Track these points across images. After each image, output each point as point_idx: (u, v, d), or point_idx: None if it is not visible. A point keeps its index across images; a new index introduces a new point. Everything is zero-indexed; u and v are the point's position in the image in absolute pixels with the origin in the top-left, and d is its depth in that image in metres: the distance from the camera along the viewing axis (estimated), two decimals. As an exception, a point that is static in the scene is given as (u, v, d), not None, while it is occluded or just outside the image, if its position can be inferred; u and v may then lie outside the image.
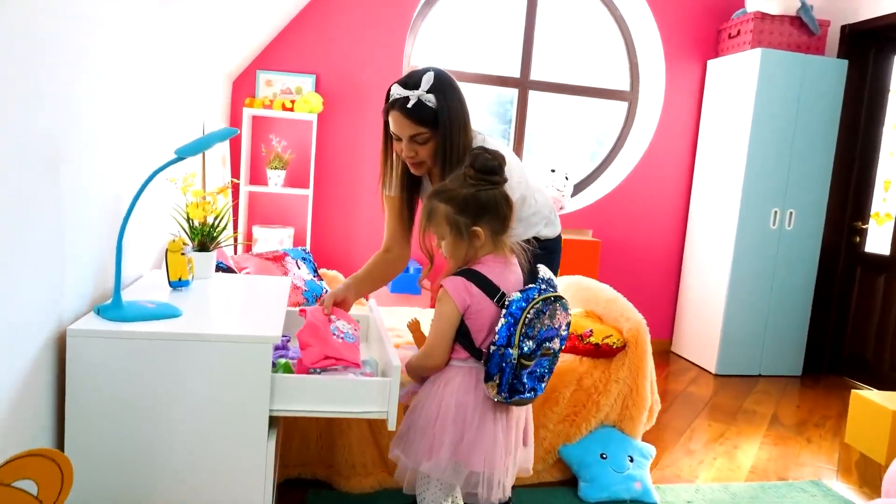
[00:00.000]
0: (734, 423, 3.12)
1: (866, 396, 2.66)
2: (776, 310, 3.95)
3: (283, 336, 1.81)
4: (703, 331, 4.07)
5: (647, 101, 4.28)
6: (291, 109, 3.55)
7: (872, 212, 3.98)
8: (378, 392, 1.42)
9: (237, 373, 1.33)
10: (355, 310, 2.64)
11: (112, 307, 1.38)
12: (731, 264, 3.85)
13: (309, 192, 3.59)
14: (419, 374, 1.59)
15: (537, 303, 1.44)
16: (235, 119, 3.63)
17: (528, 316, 1.42)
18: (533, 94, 4.20)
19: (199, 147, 1.40)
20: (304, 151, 3.72)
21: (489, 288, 1.49)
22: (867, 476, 2.62)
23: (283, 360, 1.53)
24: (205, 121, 2.82)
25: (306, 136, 3.71)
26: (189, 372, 1.31)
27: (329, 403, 1.40)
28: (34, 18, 1.16)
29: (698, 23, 4.17)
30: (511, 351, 1.42)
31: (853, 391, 2.73)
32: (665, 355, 4.26)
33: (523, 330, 1.42)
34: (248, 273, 2.64)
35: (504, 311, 1.45)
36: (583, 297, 2.75)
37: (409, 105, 1.62)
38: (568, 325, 1.54)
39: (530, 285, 1.50)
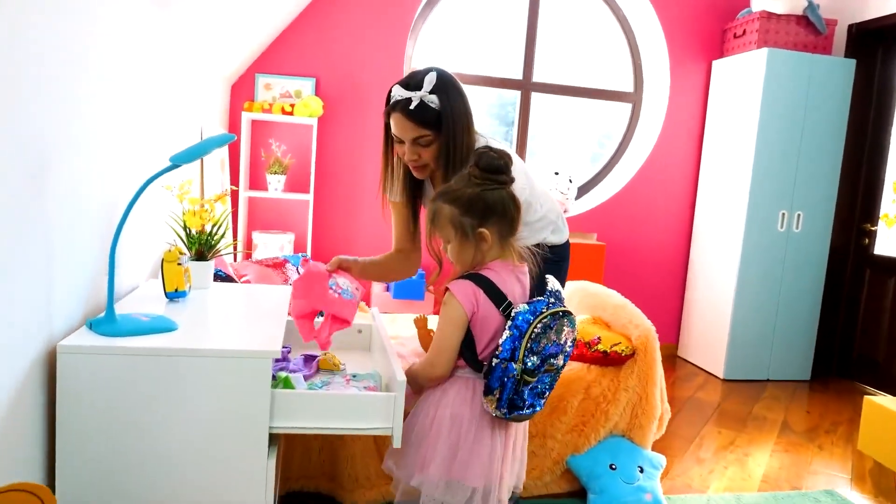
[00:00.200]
0: (744, 430, 3.06)
1: (879, 402, 2.60)
2: (784, 313, 3.89)
3: (283, 347, 1.76)
4: (710, 335, 4.01)
5: (652, 103, 4.23)
6: (291, 113, 3.50)
7: (881, 213, 3.91)
8: (382, 407, 1.36)
9: (235, 389, 1.28)
10: (357, 318, 2.58)
11: (105, 321, 1.33)
12: (738, 267, 3.79)
13: (309, 196, 3.54)
14: (420, 384, 1.50)
15: (545, 317, 1.37)
16: (234, 123, 3.58)
17: (535, 330, 1.36)
18: (534, 96, 4.14)
19: (194, 154, 1.35)
20: (304, 156, 3.67)
21: (496, 295, 1.42)
22: (882, 485, 2.56)
23: (283, 374, 1.47)
24: (203, 125, 2.77)
25: (306, 140, 3.66)
26: (185, 389, 1.26)
27: (331, 420, 1.34)
28: (29, 19, 1.12)
29: (703, 22, 4.12)
30: (514, 365, 1.36)
31: (866, 397, 2.67)
32: (671, 360, 4.20)
33: (528, 345, 1.36)
34: (247, 281, 2.59)
35: (509, 322, 1.38)
36: (590, 303, 2.70)
37: (412, 106, 1.57)
38: (573, 341, 1.48)
39: (538, 298, 1.43)
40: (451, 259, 1.48)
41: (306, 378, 1.60)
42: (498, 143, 1.75)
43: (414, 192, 1.83)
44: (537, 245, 1.65)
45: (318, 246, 3.74)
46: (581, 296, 2.76)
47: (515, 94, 4.15)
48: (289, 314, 1.65)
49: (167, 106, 2.15)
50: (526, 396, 1.39)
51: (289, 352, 1.78)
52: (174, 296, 1.64)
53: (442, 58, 4.03)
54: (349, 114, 3.72)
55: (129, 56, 1.68)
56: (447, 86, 1.61)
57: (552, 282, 1.48)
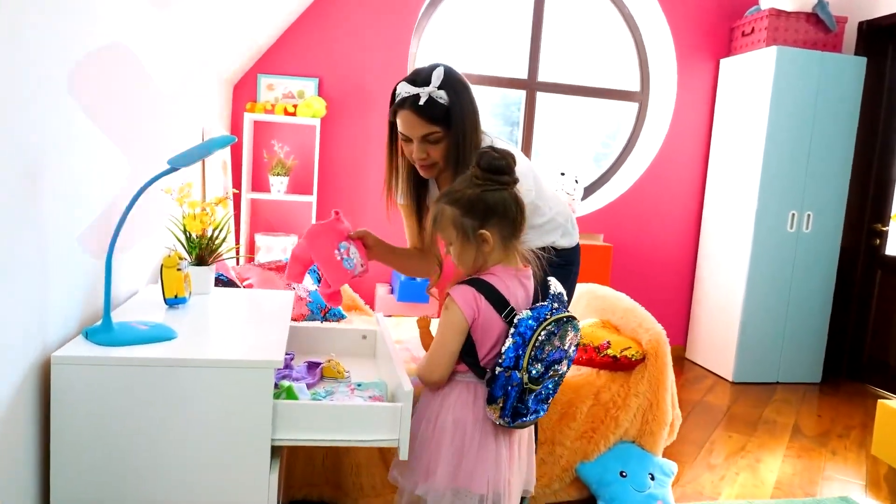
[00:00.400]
0: (755, 435, 3.01)
1: (894, 407, 2.55)
2: (794, 315, 3.83)
3: (286, 354, 1.71)
4: (719, 337, 3.95)
5: (659, 102, 4.18)
6: (294, 114, 3.46)
7: (893, 213, 3.85)
8: (388, 418, 1.32)
9: (236, 400, 1.24)
10: (361, 322, 2.54)
11: (101, 330, 1.28)
12: (747, 268, 3.73)
13: (313, 198, 3.50)
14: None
15: (549, 324, 1.33)
16: (236, 124, 3.54)
17: (539, 338, 1.32)
18: (538, 96, 4.09)
19: (193, 157, 1.31)
20: (307, 157, 3.63)
21: (498, 301, 1.37)
22: (898, 491, 2.51)
23: (286, 383, 1.43)
24: (204, 127, 2.73)
25: (309, 141, 3.62)
26: (184, 400, 1.22)
27: (335, 431, 1.30)
28: (28, 19, 1.09)
29: (710, 20, 4.06)
30: (518, 374, 1.32)
31: (880, 401, 2.62)
32: (679, 362, 4.14)
33: (532, 352, 1.31)
34: (250, 285, 2.55)
35: (512, 329, 1.34)
36: (598, 306, 2.65)
37: (421, 102, 1.52)
38: (577, 345, 1.44)
39: (541, 303, 1.39)
40: (453, 261, 1.44)
41: (309, 386, 1.56)
42: (504, 143, 1.71)
43: (419, 193, 1.78)
44: (542, 248, 1.61)
45: (322, 248, 3.69)
46: (589, 298, 2.72)
47: (519, 94, 4.10)
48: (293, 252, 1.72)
49: (168, 107, 2.11)
50: (530, 404, 1.36)
51: (292, 358, 1.73)
52: (174, 302, 1.60)
53: (446, 57, 3.98)
54: (353, 114, 3.68)
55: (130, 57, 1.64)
56: (455, 81, 1.57)
57: (554, 284, 1.44)
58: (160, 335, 1.32)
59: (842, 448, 2.93)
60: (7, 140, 1.06)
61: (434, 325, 1.55)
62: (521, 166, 1.64)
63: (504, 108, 4.24)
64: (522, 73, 4.05)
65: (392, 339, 1.72)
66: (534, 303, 1.42)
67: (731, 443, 2.90)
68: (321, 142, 3.62)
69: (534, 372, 1.33)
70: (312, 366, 1.66)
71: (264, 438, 1.25)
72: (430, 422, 1.42)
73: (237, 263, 3.25)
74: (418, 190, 1.78)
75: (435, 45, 3.93)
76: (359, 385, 1.54)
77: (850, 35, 3.91)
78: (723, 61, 4.05)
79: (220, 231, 1.81)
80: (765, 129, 3.63)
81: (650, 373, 2.28)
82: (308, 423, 1.28)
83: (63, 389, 1.18)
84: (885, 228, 3.88)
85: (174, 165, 1.29)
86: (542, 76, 4.07)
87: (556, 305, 1.37)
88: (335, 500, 2.07)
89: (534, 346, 1.31)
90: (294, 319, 2.52)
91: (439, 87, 1.53)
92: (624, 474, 2.18)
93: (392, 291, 3.71)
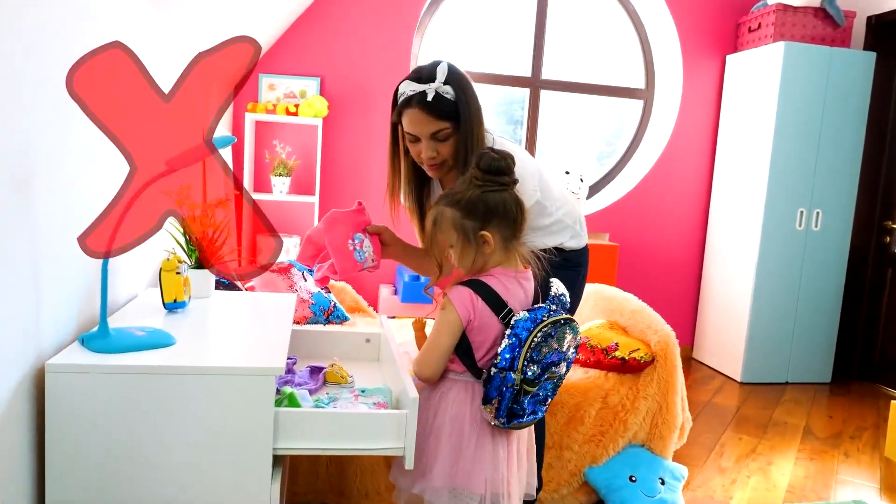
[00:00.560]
0: (765, 437, 2.96)
1: (909, 408, 2.50)
2: (803, 314, 3.78)
3: (289, 358, 1.68)
4: (727, 337, 3.90)
5: (664, 99, 4.13)
6: (295, 114, 3.42)
7: (903, 210, 3.80)
8: (393, 426, 1.28)
9: (236, 408, 1.20)
10: (365, 325, 2.50)
11: (97, 336, 1.25)
12: (755, 267, 3.68)
13: (315, 199, 3.46)
14: None
15: (545, 326, 1.32)
16: (237, 125, 3.51)
17: (535, 340, 1.31)
18: (541, 94, 4.05)
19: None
20: (309, 157, 3.59)
21: (495, 303, 1.37)
22: (913, 494, 2.46)
23: (288, 390, 1.39)
24: (205, 127, 2.69)
25: (311, 141, 3.59)
26: (183, 408, 1.18)
27: (339, 440, 1.26)
28: (25, 19, 1.06)
29: (716, 16, 4.01)
30: (513, 375, 1.31)
31: (893, 402, 2.58)
32: (686, 362, 4.08)
33: (528, 354, 1.31)
34: (251, 286, 2.51)
35: (508, 330, 1.33)
36: (605, 307, 2.61)
37: (429, 98, 1.49)
38: (576, 347, 1.42)
39: (539, 305, 1.38)
40: (454, 263, 1.43)
41: (312, 392, 1.52)
42: (509, 142, 1.67)
43: (420, 194, 1.75)
44: (544, 249, 1.60)
45: (325, 249, 3.65)
46: (596, 299, 2.67)
47: (521, 92, 4.06)
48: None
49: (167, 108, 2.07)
50: (526, 405, 1.35)
51: (294, 363, 1.70)
52: (173, 307, 1.56)
53: (449, 55, 3.93)
54: (355, 114, 3.64)
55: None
56: (459, 76, 1.55)
57: (556, 286, 1.43)
58: (158, 341, 1.28)
59: (854, 450, 2.88)
60: (1, 141, 1.02)
61: (430, 326, 1.54)
62: (527, 165, 1.61)
63: (507, 105, 4.20)
64: (526, 71, 4.01)
65: (396, 342, 1.68)
66: (534, 304, 1.42)
67: (741, 445, 2.85)
68: (323, 142, 3.59)
69: (529, 373, 1.32)
70: (315, 371, 1.62)
71: (265, 448, 1.21)
72: (428, 420, 1.41)
73: (239, 266, 3.21)
74: (419, 191, 1.75)
75: (437, 44, 3.89)
76: (363, 391, 1.50)
77: (859, 30, 3.86)
78: (729, 57, 3.99)
79: (221, 234, 1.77)
80: (773, 125, 3.58)
81: (659, 375, 2.24)
82: (310, 432, 1.24)
83: (58, 398, 1.14)
84: (895, 226, 3.83)
85: (172, 166, 1.26)
86: (546, 74, 4.02)
87: (554, 308, 1.37)
88: (339, 506, 2.04)
89: (529, 347, 1.31)
90: (296, 322, 2.49)
91: (445, 83, 1.51)
92: (633, 479, 2.14)
93: (396, 292, 3.67)
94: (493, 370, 1.33)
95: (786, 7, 3.62)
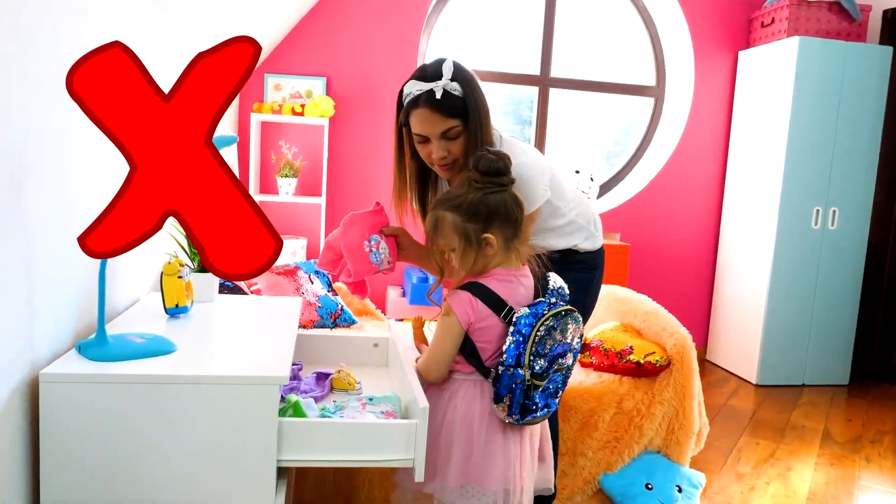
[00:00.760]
0: (784, 441, 2.89)
1: (934, 412, 2.43)
2: (820, 314, 3.70)
3: (294, 364, 1.63)
4: (741, 338, 3.82)
5: (675, 97, 4.06)
6: (302, 114, 3.37)
7: (922, 208, 3.72)
8: (402, 436, 1.22)
9: (239, 418, 1.15)
10: (373, 328, 2.44)
11: (95, 343, 1.20)
12: (770, 267, 3.61)
13: (321, 200, 3.41)
14: None
15: (547, 319, 1.32)
16: (243, 125, 3.47)
17: (539, 333, 1.32)
18: (551, 92, 3.99)
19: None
20: (315, 158, 3.55)
21: (495, 303, 1.37)
22: (938, 501, 2.38)
23: (293, 398, 1.34)
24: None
25: (318, 141, 3.54)
26: (183, 418, 1.13)
27: (346, 451, 1.20)
28: (24, 19, 1.03)
29: (728, 11, 3.94)
30: (521, 371, 1.32)
31: (917, 406, 2.50)
32: (700, 364, 3.97)
33: (534, 349, 1.31)
34: (257, 290, 2.47)
35: (511, 328, 1.34)
36: (619, 309, 2.54)
37: (438, 96, 1.45)
38: (581, 336, 1.42)
39: (539, 300, 1.38)
40: (455, 266, 1.42)
41: (318, 400, 1.47)
42: (517, 142, 1.63)
43: (423, 196, 1.70)
44: (555, 251, 1.56)
45: (331, 251, 3.61)
46: (609, 301, 2.61)
47: (529, 92, 4.00)
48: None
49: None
50: (537, 399, 1.35)
51: (300, 369, 1.65)
52: (175, 312, 1.51)
53: (457, 54, 3.88)
54: (362, 113, 3.59)
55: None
56: (465, 73, 1.51)
57: (553, 279, 1.44)
58: (158, 349, 1.23)
59: (876, 455, 2.80)
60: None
61: (429, 327, 1.57)
62: (536, 164, 1.56)
63: (514, 105, 4.14)
64: (535, 69, 3.95)
65: (405, 346, 1.63)
66: (533, 299, 1.41)
67: (759, 450, 2.78)
68: (330, 142, 3.54)
69: (537, 367, 1.33)
70: (321, 377, 1.57)
71: (269, 459, 1.16)
72: (437, 420, 1.40)
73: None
74: (422, 193, 1.70)
75: (444, 43, 3.83)
76: (370, 399, 1.45)
77: (875, 24, 3.77)
78: (741, 53, 3.92)
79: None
80: (787, 122, 3.51)
81: (675, 379, 2.18)
82: (316, 443, 1.19)
83: (53, 409, 1.09)
84: (913, 224, 3.74)
85: (170, 167, 1.20)
86: (555, 72, 3.96)
87: (553, 300, 1.38)
88: (347, 515, 1.98)
89: (534, 342, 1.31)
90: (303, 326, 2.44)
91: (452, 79, 1.47)
92: (650, 486, 2.08)
93: (404, 294, 3.62)
94: (501, 368, 1.34)
95: (800, 1, 3.55)
